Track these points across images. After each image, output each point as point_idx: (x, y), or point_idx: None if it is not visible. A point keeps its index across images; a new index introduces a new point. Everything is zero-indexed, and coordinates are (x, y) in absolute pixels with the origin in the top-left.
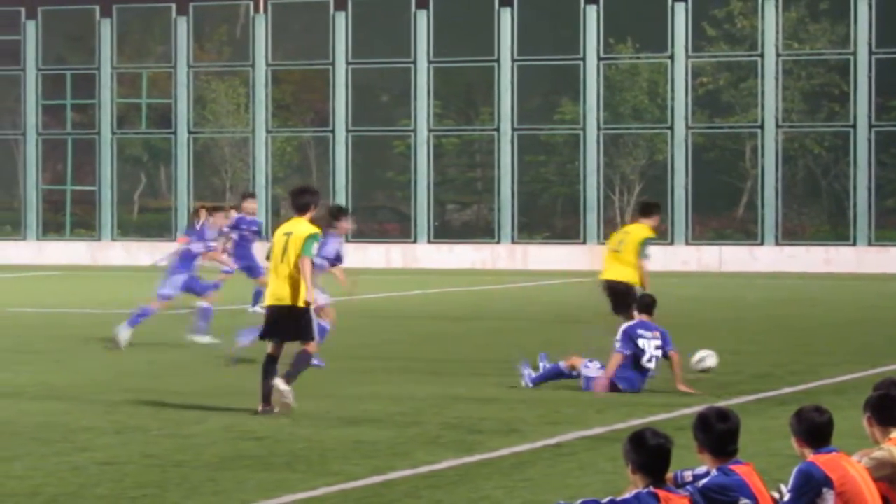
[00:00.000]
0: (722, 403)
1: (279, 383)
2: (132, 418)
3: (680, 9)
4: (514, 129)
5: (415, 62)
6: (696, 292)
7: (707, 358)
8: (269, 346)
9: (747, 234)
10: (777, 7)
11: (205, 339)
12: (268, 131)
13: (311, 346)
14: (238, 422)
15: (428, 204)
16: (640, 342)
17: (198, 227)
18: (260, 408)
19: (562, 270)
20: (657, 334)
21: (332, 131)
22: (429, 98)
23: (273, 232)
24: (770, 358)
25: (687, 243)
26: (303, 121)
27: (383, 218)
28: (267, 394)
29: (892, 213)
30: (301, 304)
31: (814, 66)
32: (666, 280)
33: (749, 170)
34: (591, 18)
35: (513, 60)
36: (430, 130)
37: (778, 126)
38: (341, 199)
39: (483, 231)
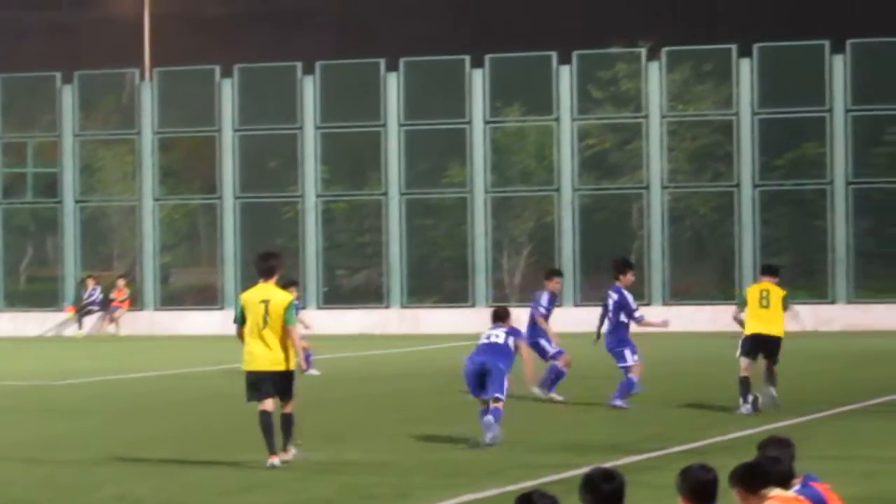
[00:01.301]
0: (609, 464)
1: (286, 457)
2: None
3: (565, 71)
4: (402, 194)
5: (302, 128)
6: (586, 352)
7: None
8: (258, 405)
9: (635, 294)
10: (661, 69)
11: None
12: (155, 199)
13: (291, 406)
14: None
15: (317, 269)
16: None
17: (85, 296)
18: (271, 460)
19: (452, 334)
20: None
21: (220, 198)
22: (316, 163)
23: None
24: (659, 416)
25: (576, 305)
26: (190, 188)
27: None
28: (272, 444)
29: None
30: (289, 367)
31: (698, 127)
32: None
33: (636, 231)
34: (478, 82)
35: (400, 125)
36: (318, 196)
37: (664, 187)
38: (229, 266)
39: (373, 296)
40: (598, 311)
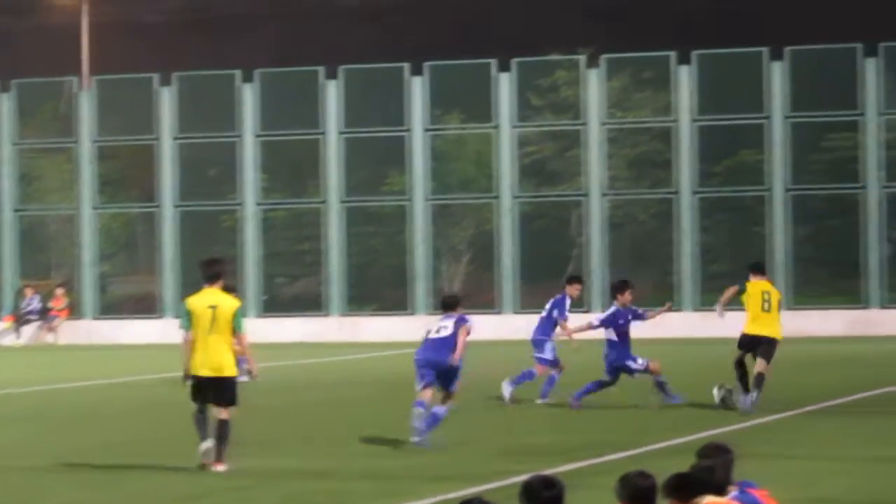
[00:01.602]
0: (549, 470)
1: (219, 468)
2: None
3: (504, 79)
4: (341, 202)
5: (241, 136)
6: (528, 361)
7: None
8: (196, 406)
9: (575, 301)
10: (600, 76)
11: None
12: (94, 208)
13: (230, 413)
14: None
15: (256, 278)
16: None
17: (23, 305)
18: (203, 445)
19: (392, 342)
20: (455, 317)
21: (159, 207)
22: (256, 172)
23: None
24: (601, 424)
25: (515, 312)
26: (129, 197)
27: None
28: (205, 431)
29: (718, 279)
30: (233, 373)
31: (637, 134)
32: (495, 349)
33: (576, 238)
34: (417, 90)
35: (339, 133)
36: (257, 204)
37: (603, 194)
38: (168, 275)
39: (312, 304)
40: (538, 317)
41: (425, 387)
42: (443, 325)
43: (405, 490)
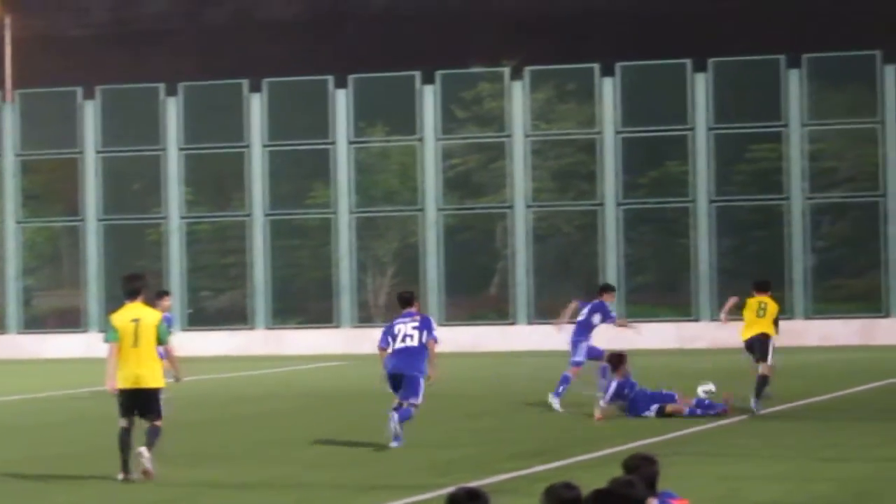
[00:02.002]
0: (474, 483)
1: (143, 451)
2: None
3: (429, 91)
4: (266, 215)
5: (165, 149)
6: (453, 373)
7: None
8: (123, 422)
9: (501, 313)
10: (524, 88)
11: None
12: (17, 222)
13: (160, 422)
14: None
15: (181, 291)
16: (396, 328)
17: None
18: (121, 475)
19: (317, 354)
20: (417, 318)
21: (83, 220)
22: (180, 185)
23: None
24: (525, 436)
25: (441, 324)
26: (53, 210)
27: None
28: (126, 462)
29: (642, 290)
30: (158, 385)
31: (562, 146)
32: None
33: (501, 250)
34: (341, 102)
35: (263, 146)
36: (182, 217)
37: (528, 206)
38: (93, 288)
39: (238, 317)
40: (463, 329)
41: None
42: (408, 334)
43: (331, 501)
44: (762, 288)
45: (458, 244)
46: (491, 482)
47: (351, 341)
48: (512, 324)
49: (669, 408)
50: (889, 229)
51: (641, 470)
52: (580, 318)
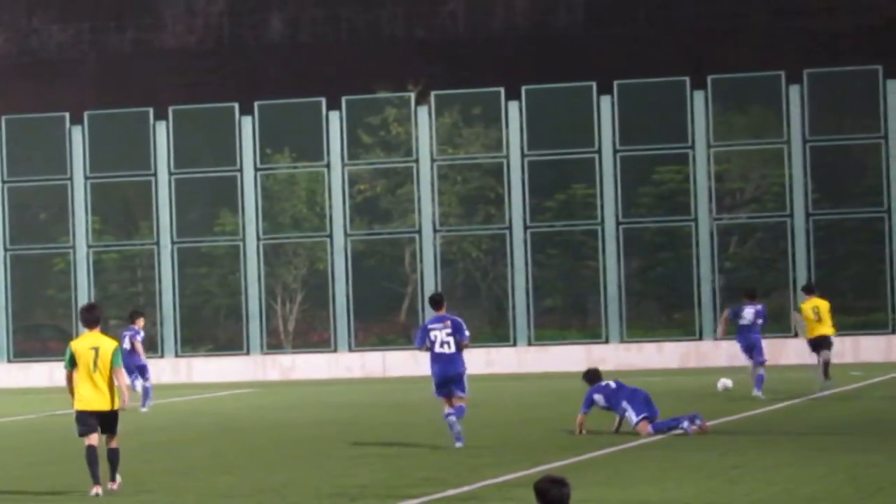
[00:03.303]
0: None
1: (112, 486)
2: None
3: (335, 117)
4: (173, 242)
5: (71, 178)
6: (361, 398)
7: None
8: (88, 440)
9: (410, 338)
10: (430, 113)
11: None
12: None
13: (116, 442)
14: None
15: None
16: (432, 333)
17: None
18: (96, 489)
19: (227, 382)
20: (448, 324)
21: None
22: (87, 214)
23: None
24: (435, 460)
25: (350, 350)
26: None
27: (45, 336)
28: (96, 475)
29: (550, 313)
30: (115, 406)
31: (468, 170)
32: (330, 388)
33: (409, 274)
34: (247, 129)
35: (170, 173)
36: (89, 246)
37: (436, 230)
38: (2, 317)
39: (146, 345)
40: (373, 354)
41: (446, 397)
42: (444, 341)
43: None
44: (810, 290)
45: (367, 269)
46: None
47: (260, 368)
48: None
49: (638, 427)
50: (796, 249)
51: (552, 492)
52: (746, 321)
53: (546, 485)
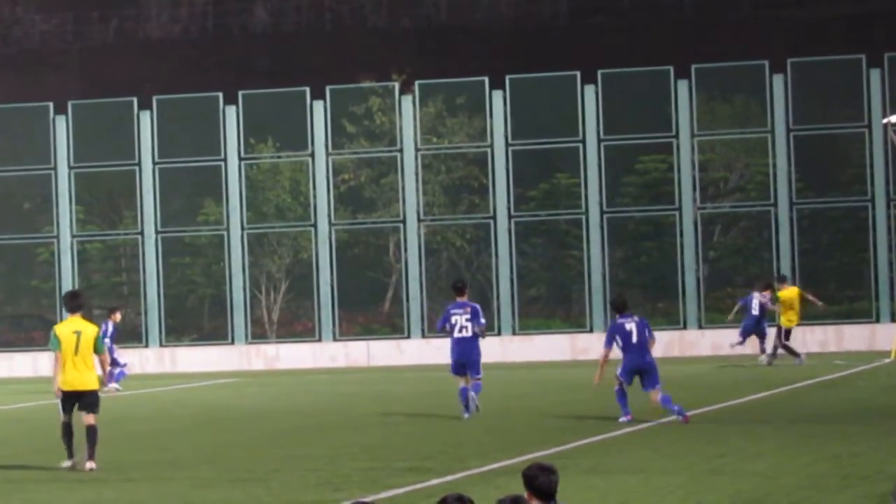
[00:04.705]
0: (370, 498)
1: (89, 465)
2: None
3: (318, 106)
4: (157, 232)
5: (55, 168)
6: (346, 388)
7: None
8: (65, 417)
9: (394, 327)
10: (414, 103)
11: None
12: None
13: (95, 419)
14: None
15: None
16: (453, 318)
17: None
18: (68, 462)
19: (211, 372)
20: (468, 310)
21: None
22: (71, 203)
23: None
24: (419, 449)
25: (335, 339)
26: None
27: (29, 326)
28: (70, 448)
29: (535, 302)
30: (94, 387)
31: (453, 160)
32: (315, 377)
33: (393, 264)
34: (231, 119)
35: (154, 163)
36: (73, 236)
37: (420, 220)
38: None
39: (130, 335)
40: (357, 343)
41: (462, 376)
42: (463, 325)
43: None
44: (783, 279)
45: (351, 259)
46: (385, 497)
47: (245, 358)
48: (407, 338)
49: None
50: (780, 238)
51: (540, 479)
52: (756, 311)
53: (534, 472)
